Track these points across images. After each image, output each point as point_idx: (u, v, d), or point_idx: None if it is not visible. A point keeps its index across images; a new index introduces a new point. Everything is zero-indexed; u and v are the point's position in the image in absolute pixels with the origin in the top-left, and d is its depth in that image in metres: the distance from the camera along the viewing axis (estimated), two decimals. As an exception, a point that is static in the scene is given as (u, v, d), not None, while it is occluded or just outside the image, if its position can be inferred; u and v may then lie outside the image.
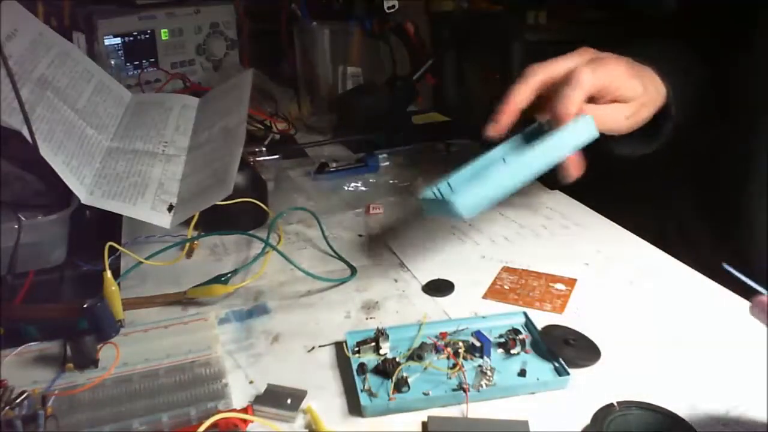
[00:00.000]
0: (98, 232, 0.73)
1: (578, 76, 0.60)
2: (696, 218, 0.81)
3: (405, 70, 1.18)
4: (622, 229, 0.77)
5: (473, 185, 0.58)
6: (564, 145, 0.59)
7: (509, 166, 0.60)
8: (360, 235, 0.78)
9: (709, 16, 0.76)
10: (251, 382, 0.53)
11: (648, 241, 0.74)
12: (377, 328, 0.55)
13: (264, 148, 1.01)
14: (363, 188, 0.92)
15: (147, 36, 1.21)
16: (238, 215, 0.76)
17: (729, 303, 0.61)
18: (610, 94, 0.62)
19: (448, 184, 0.64)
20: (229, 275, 0.66)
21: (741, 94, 0.72)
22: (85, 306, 0.55)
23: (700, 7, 0.78)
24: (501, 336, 0.55)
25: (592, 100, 0.62)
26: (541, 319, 0.59)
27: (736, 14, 0.72)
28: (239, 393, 0.51)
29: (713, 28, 0.75)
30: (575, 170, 0.62)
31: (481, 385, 0.50)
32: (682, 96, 0.69)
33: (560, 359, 0.52)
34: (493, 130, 0.63)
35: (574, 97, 0.59)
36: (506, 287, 0.66)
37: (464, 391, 0.49)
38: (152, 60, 1.22)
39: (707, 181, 0.80)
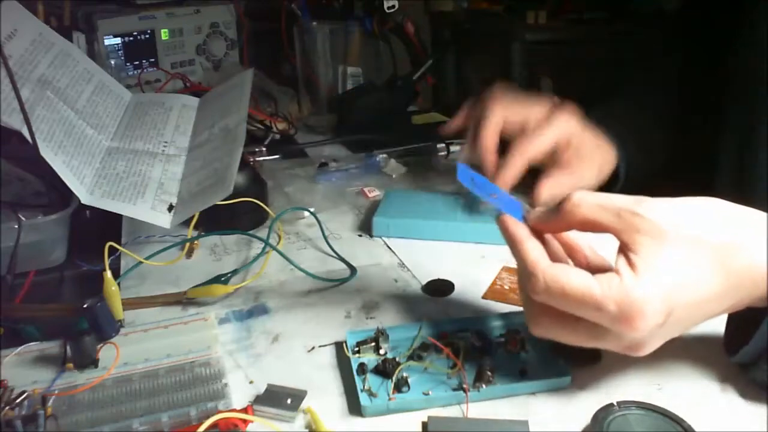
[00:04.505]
0: (98, 232, 0.73)
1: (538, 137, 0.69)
2: None
3: (405, 70, 1.19)
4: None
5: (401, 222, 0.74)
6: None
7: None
8: (360, 235, 0.78)
9: (707, 15, 0.76)
10: (251, 382, 0.53)
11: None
12: (377, 328, 0.55)
13: (264, 148, 1.01)
14: (363, 188, 0.92)
15: (147, 36, 1.21)
16: (238, 215, 0.76)
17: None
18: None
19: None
20: (229, 275, 0.66)
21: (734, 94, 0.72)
22: (85, 306, 0.55)
23: (699, 7, 0.78)
24: (501, 336, 0.55)
25: None
26: (541, 319, 0.59)
27: (735, 13, 0.72)
28: (239, 393, 0.51)
29: (711, 28, 0.75)
30: None
31: (481, 385, 0.50)
32: (636, 161, 0.74)
33: (560, 359, 0.52)
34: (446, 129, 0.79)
35: (514, 170, 0.68)
36: (506, 287, 0.66)
37: (464, 391, 0.49)
38: (152, 60, 1.22)
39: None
